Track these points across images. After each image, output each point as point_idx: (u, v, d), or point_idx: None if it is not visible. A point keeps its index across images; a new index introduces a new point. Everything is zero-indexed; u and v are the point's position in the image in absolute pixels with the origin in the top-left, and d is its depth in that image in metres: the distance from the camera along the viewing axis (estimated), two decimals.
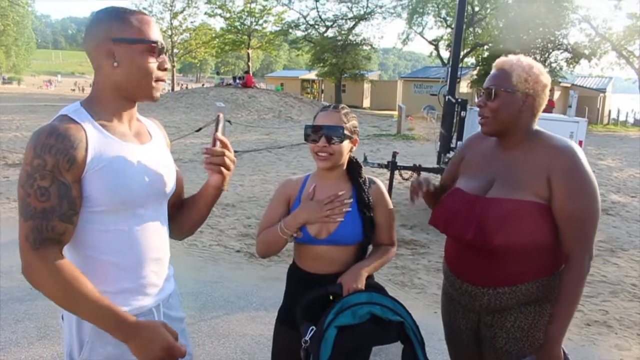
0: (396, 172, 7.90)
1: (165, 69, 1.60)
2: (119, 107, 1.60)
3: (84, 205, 1.49)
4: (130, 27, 1.53)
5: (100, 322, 1.43)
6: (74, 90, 59.34)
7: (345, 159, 2.13)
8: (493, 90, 1.95)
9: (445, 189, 2.22)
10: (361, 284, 2.02)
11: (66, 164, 1.42)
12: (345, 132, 2.05)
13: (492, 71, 2.03)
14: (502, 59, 2.01)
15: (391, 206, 2.23)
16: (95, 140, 1.49)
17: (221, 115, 1.62)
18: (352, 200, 2.11)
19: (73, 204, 1.44)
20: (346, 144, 2.08)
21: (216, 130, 1.57)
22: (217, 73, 38.70)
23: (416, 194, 2.12)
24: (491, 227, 1.88)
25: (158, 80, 1.59)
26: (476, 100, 2.05)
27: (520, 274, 1.95)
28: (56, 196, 1.40)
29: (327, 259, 2.10)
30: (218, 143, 1.59)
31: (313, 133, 2.07)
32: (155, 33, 1.57)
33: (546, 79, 1.99)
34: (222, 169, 1.64)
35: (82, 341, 1.57)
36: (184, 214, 1.84)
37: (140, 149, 1.61)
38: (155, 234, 1.64)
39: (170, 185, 1.71)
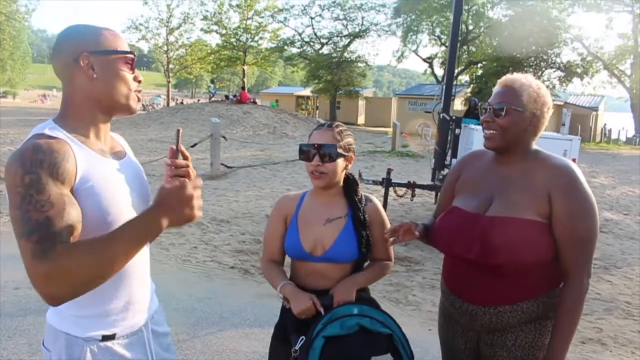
0: (391, 188, 7.92)
1: (139, 81, 1.62)
2: (95, 122, 1.58)
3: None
4: (105, 39, 1.55)
5: (140, 240, 1.38)
6: None
7: (340, 177, 2.14)
8: (505, 108, 1.95)
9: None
10: (351, 297, 2.05)
11: (60, 176, 1.37)
12: (339, 150, 2.07)
13: (500, 88, 2.02)
14: (510, 77, 2.01)
15: (387, 223, 2.24)
16: (81, 155, 1.46)
17: (180, 130, 1.60)
18: (347, 218, 2.13)
19: (78, 212, 1.39)
20: (340, 162, 2.09)
21: (177, 143, 1.55)
22: (212, 82, 38.57)
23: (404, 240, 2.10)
24: (495, 245, 1.88)
25: (135, 91, 1.61)
26: (482, 116, 2.04)
27: (521, 292, 1.95)
28: (58, 203, 1.33)
29: (323, 276, 2.12)
30: (179, 154, 1.55)
31: (307, 151, 2.08)
32: (127, 46, 1.60)
33: (551, 100, 2.02)
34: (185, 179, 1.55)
35: None
36: None
37: (120, 165, 1.62)
38: (142, 251, 1.61)
39: (145, 199, 1.71)
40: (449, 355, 2.25)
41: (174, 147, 1.54)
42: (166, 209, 1.38)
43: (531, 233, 1.88)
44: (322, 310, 2.01)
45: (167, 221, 1.39)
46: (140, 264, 1.66)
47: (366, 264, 2.24)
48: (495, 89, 2.04)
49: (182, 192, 1.40)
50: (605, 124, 38.66)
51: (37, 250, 1.27)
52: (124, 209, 1.54)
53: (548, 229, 1.90)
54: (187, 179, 1.46)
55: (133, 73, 1.59)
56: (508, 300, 1.96)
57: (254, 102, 30.69)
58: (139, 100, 1.64)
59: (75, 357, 1.53)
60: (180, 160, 1.53)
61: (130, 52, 1.58)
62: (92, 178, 1.46)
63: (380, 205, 2.25)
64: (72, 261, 1.28)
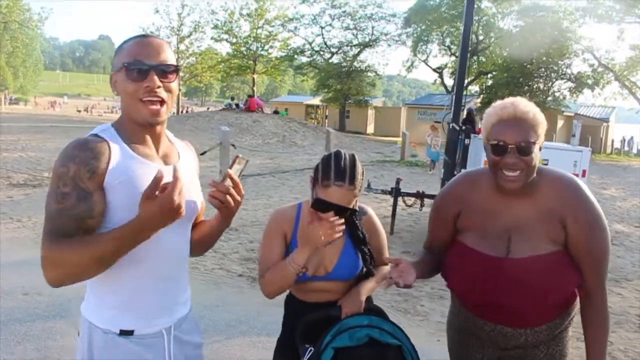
0: (400, 198, 7.91)
1: (147, 87, 1.55)
2: (137, 130, 1.63)
3: (107, 219, 1.54)
4: (121, 54, 1.59)
5: (126, 246, 1.45)
6: (79, 111, 59.77)
7: None
8: (533, 147, 1.79)
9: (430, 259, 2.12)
10: (360, 308, 2.03)
11: (87, 173, 1.49)
12: (356, 205, 2.00)
13: (513, 122, 1.80)
14: (517, 107, 1.82)
15: (383, 231, 2.24)
16: (118, 155, 1.55)
17: (240, 158, 1.64)
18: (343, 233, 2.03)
19: (90, 208, 1.49)
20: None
21: (230, 167, 1.60)
22: (232, 99, 38.44)
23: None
24: (527, 291, 1.84)
25: (141, 99, 1.56)
26: (494, 156, 1.84)
27: (555, 312, 1.94)
28: (74, 199, 1.48)
29: (327, 292, 2.11)
30: (228, 180, 1.60)
31: (322, 207, 1.91)
32: (143, 53, 1.56)
33: None
34: (223, 205, 1.64)
35: (91, 353, 1.62)
36: (193, 236, 1.86)
37: (164, 170, 1.59)
38: (170, 255, 1.65)
39: (191, 209, 1.72)
40: None
41: (228, 171, 1.62)
42: (150, 220, 1.42)
43: (560, 265, 1.85)
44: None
45: (152, 229, 1.44)
46: (167, 269, 1.68)
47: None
48: (504, 123, 1.82)
49: (164, 205, 1.41)
50: (624, 136, 38.44)
51: (45, 238, 1.46)
52: None
53: (567, 253, 1.87)
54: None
55: (140, 82, 1.55)
56: (544, 321, 1.94)
57: (262, 111, 30.67)
58: (153, 111, 1.57)
59: (94, 346, 1.62)
60: (223, 184, 1.60)
61: (130, 63, 1.55)
62: (124, 175, 1.54)
63: (374, 214, 2.20)
64: (61, 255, 1.42)
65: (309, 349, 1.94)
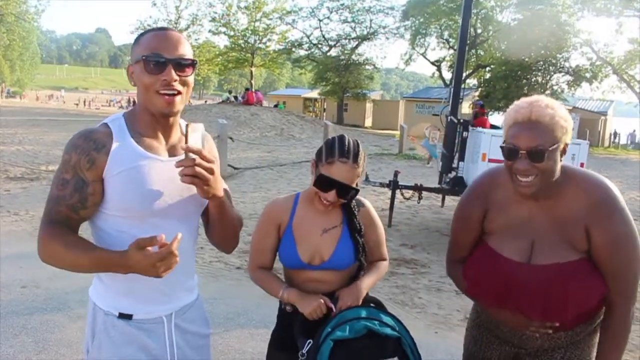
0: (397, 191, 7.91)
1: (165, 81, 1.58)
2: (149, 121, 1.67)
3: (104, 206, 1.63)
4: (138, 47, 1.62)
5: (101, 268, 1.56)
6: (77, 104, 59.60)
7: None
8: (546, 153, 1.70)
9: None
10: (358, 302, 2.03)
11: (87, 163, 1.58)
12: (358, 187, 2.02)
13: (528, 125, 1.72)
14: (534, 107, 1.73)
15: (380, 225, 2.22)
16: (120, 147, 1.61)
17: (193, 126, 1.54)
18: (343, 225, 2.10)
19: (84, 199, 1.59)
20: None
21: (185, 141, 1.50)
22: (230, 92, 38.56)
23: None
24: (558, 300, 1.78)
25: (158, 92, 1.59)
26: (507, 160, 1.78)
27: (577, 320, 1.88)
28: (71, 188, 1.58)
29: (320, 282, 2.10)
30: (190, 154, 1.51)
31: (326, 186, 1.96)
32: (161, 46, 1.59)
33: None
34: (198, 179, 1.54)
35: (93, 332, 1.72)
36: (209, 229, 1.88)
37: (166, 162, 1.66)
38: None
39: (197, 201, 1.73)
40: None
41: (183, 146, 1.51)
42: (130, 267, 1.47)
43: (584, 274, 1.78)
44: (333, 307, 1.98)
45: (129, 270, 1.48)
46: None
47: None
48: (519, 125, 1.74)
49: (146, 264, 1.43)
50: (613, 132, 38.49)
51: (44, 218, 1.59)
52: (146, 201, 1.62)
53: (591, 261, 1.80)
54: (161, 254, 1.42)
55: (157, 75, 1.58)
56: (565, 328, 1.89)
57: (261, 104, 30.56)
58: (169, 101, 1.60)
59: (96, 325, 1.72)
60: (185, 159, 1.51)
61: (148, 56, 1.58)
62: (123, 167, 1.60)
63: (372, 207, 2.20)
64: (50, 245, 1.54)
65: (308, 342, 1.93)
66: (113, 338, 1.68)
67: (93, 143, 1.59)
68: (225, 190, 1.78)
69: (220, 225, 1.80)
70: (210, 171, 1.54)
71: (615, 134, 38.50)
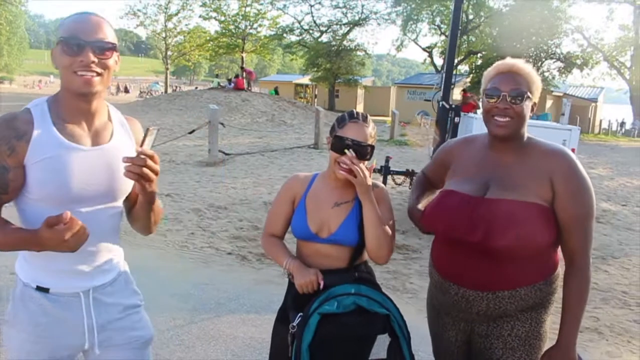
0: (389, 177, 7.90)
1: (82, 62, 1.62)
2: (72, 107, 1.71)
3: (25, 191, 1.68)
4: (61, 30, 1.67)
5: (20, 247, 1.64)
6: None
7: None
8: (525, 94, 1.91)
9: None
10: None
11: (7, 150, 1.63)
12: (372, 145, 2.09)
13: (509, 73, 1.94)
14: (516, 62, 1.97)
15: (392, 210, 2.23)
16: (40, 135, 1.66)
17: (151, 129, 1.63)
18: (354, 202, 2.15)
19: (5, 184, 1.65)
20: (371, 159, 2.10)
21: (142, 144, 1.60)
22: (217, 76, 38.52)
23: None
24: (500, 227, 1.85)
25: (76, 72, 1.63)
26: (487, 101, 1.95)
27: (520, 277, 1.93)
28: None
29: (327, 256, 2.14)
30: (141, 156, 1.60)
31: (341, 144, 2.05)
32: (80, 30, 1.63)
33: None
34: (142, 178, 1.62)
35: (13, 299, 1.84)
36: (132, 217, 1.95)
37: (88, 152, 1.72)
38: (90, 229, 1.67)
39: (118, 190, 1.81)
40: (438, 347, 2.23)
41: (138, 149, 1.60)
42: (42, 244, 1.53)
43: (536, 216, 1.86)
44: (321, 284, 2.02)
45: (44, 247, 1.54)
46: (89, 242, 1.71)
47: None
48: (501, 75, 1.95)
49: (56, 240, 1.49)
50: (601, 120, 38.70)
51: None
52: (64, 189, 1.68)
53: (550, 212, 1.89)
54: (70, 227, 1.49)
55: (74, 56, 1.62)
56: (507, 286, 1.93)
57: (253, 81, 30.44)
58: (86, 80, 1.64)
59: (15, 295, 1.82)
60: (137, 158, 1.58)
61: (65, 38, 1.62)
62: (43, 155, 1.64)
63: (386, 191, 2.25)
64: None
65: (299, 315, 1.98)
66: (30, 308, 1.78)
67: (14, 131, 1.63)
68: None
69: (145, 214, 1.86)
70: (156, 172, 1.63)
71: (609, 122, 38.66)
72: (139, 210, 1.86)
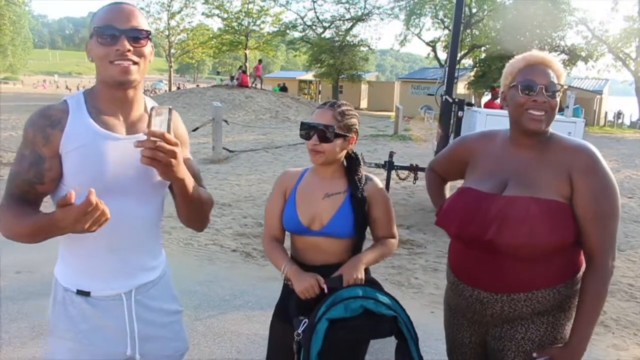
0: (393, 172, 7.88)
1: (118, 51, 1.59)
2: (108, 97, 1.68)
3: (62, 182, 1.66)
4: (94, 21, 1.64)
5: (42, 233, 1.53)
6: (70, 90, 59.18)
7: (340, 156, 2.14)
8: (560, 88, 1.86)
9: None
10: (361, 275, 2.04)
11: (42, 139, 1.61)
12: (337, 131, 2.06)
13: (541, 66, 1.88)
14: (545, 55, 1.91)
15: (388, 202, 2.24)
16: (74, 123, 1.63)
17: (157, 109, 1.49)
18: (346, 194, 2.13)
19: (41, 174, 1.62)
20: (338, 142, 2.08)
21: (148, 125, 1.46)
22: (218, 73, 38.63)
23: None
24: (514, 224, 1.79)
25: (112, 62, 1.60)
26: (522, 94, 1.87)
27: (537, 279, 1.86)
28: (28, 163, 1.62)
29: (321, 250, 2.13)
30: (151, 137, 1.47)
31: (307, 130, 2.09)
32: (114, 19, 1.60)
33: None
34: (156, 161, 1.49)
35: (54, 305, 1.78)
36: (177, 210, 1.83)
37: (122, 140, 1.67)
38: (127, 223, 1.67)
39: (157, 181, 1.73)
40: (453, 348, 2.18)
41: (146, 130, 1.47)
42: (59, 226, 1.44)
43: (552, 213, 1.79)
44: (325, 287, 1.99)
45: (61, 230, 1.47)
46: (122, 239, 1.72)
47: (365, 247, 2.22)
48: (532, 67, 1.89)
49: (70, 219, 1.39)
50: (607, 112, 38.46)
51: (3, 198, 1.64)
52: (98, 179, 1.62)
53: (569, 210, 1.82)
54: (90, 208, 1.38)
55: (111, 46, 1.59)
56: (523, 288, 1.86)
57: (260, 78, 30.57)
58: (123, 68, 1.60)
59: (55, 299, 1.77)
60: (146, 140, 1.46)
61: (100, 27, 1.59)
62: (77, 143, 1.62)
63: (381, 184, 2.24)
64: (1, 219, 1.61)
65: (303, 321, 1.93)
66: (70, 314, 1.73)
67: (48, 120, 1.62)
68: (194, 170, 1.81)
69: (184, 206, 1.74)
70: (172, 154, 1.49)
71: (619, 114, 38.39)
72: (178, 201, 1.75)
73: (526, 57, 1.93)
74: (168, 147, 1.47)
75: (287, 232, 2.25)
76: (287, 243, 2.26)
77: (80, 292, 1.73)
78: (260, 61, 34.17)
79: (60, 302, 1.75)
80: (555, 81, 1.86)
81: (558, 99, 1.86)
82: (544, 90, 1.84)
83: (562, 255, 1.86)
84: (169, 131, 1.49)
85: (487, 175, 1.98)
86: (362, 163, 2.23)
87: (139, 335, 1.79)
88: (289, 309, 2.06)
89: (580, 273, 1.91)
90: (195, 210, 1.79)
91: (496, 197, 1.89)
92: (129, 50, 1.59)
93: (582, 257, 1.92)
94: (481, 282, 1.93)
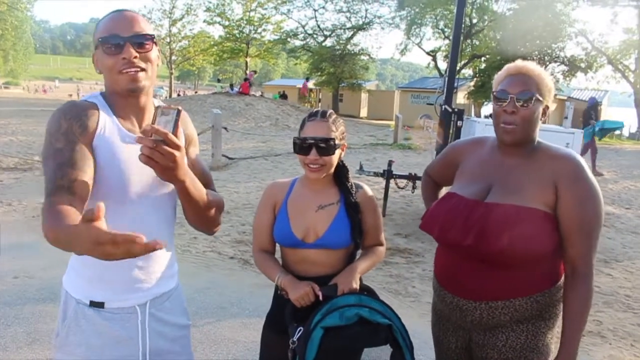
0: (392, 180, 7.90)
1: (124, 59, 1.57)
2: (121, 104, 1.66)
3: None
4: (97, 32, 1.61)
5: (71, 245, 1.22)
6: (71, 95, 59.26)
7: (335, 166, 2.13)
8: (533, 98, 1.83)
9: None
10: (356, 284, 2.03)
11: (78, 128, 1.53)
12: (336, 142, 2.04)
13: (518, 75, 1.88)
14: (525, 64, 1.91)
15: (378, 210, 2.23)
16: (106, 119, 1.61)
17: (162, 108, 1.42)
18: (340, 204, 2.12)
19: (86, 157, 1.50)
20: (337, 153, 2.07)
21: (153, 122, 1.39)
22: (218, 80, 38.80)
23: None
24: (494, 231, 1.79)
25: (121, 71, 1.58)
26: (496, 104, 1.90)
27: (516, 287, 1.87)
28: (69, 151, 1.48)
29: (315, 263, 2.10)
30: (154, 136, 1.36)
31: (303, 145, 2.02)
32: (117, 27, 1.59)
33: None
34: (153, 161, 1.37)
35: (64, 319, 1.70)
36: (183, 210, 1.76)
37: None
38: (145, 229, 1.58)
39: (166, 184, 1.69)
40: (440, 353, 2.19)
41: (151, 126, 1.36)
42: (74, 242, 1.16)
43: (533, 221, 1.80)
44: (320, 294, 1.98)
45: (79, 249, 1.18)
46: None
47: (359, 252, 2.22)
48: (510, 76, 1.90)
49: (87, 240, 1.11)
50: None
51: (46, 191, 1.41)
52: (113, 183, 1.59)
53: (551, 218, 1.83)
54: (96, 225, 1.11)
55: (116, 55, 1.58)
56: (501, 296, 1.87)
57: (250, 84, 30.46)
58: (131, 76, 1.58)
59: (67, 313, 1.69)
60: (145, 138, 1.34)
61: (106, 37, 1.58)
62: (109, 139, 1.59)
63: (370, 191, 2.22)
64: (44, 221, 1.34)
65: (298, 329, 1.93)
66: (82, 327, 1.66)
67: (82, 110, 1.58)
68: (201, 171, 1.80)
69: (187, 208, 1.66)
70: (171, 157, 1.37)
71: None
72: (181, 203, 1.67)
73: (509, 67, 1.94)
74: (167, 149, 1.36)
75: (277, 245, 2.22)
76: (277, 254, 2.24)
77: (93, 304, 1.68)
78: (253, 72, 33.70)
79: (72, 316, 1.68)
80: (532, 90, 1.84)
81: (535, 109, 1.84)
82: (515, 100, 1.84)
83: (542, 264, 1.87)
84: (173, 132, 1.39)
85: (472, 181, 2.00)
86: (348, 169, 2.21)
87: (150, 350, 1.75)
88: (284, 317, 2.05)
89: (560, 282, 1.92)
90: (199, 213, 1.70)
91: (478, 203, 1.90)
92: (136, 57, 1.58)
93: (562, 267, 1.92)
94: (461, 288, 1.95)
